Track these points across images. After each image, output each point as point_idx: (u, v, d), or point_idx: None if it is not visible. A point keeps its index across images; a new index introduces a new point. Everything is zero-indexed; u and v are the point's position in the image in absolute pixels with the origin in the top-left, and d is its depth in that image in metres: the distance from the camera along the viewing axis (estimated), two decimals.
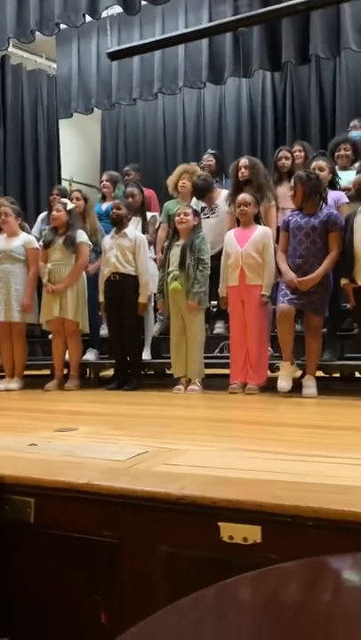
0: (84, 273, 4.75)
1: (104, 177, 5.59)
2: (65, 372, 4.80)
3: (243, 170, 4.45)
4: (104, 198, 5.55)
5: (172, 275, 4.26)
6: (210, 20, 6.25)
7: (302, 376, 4.01)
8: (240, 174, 4.46)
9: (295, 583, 0.91)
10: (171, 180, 5.12)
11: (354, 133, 5.09)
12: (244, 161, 4.52)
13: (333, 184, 4.30)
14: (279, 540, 1.40)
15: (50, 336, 4.96)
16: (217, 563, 1.41)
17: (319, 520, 1.36)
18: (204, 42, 6.49)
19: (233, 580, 0.88)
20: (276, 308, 3.96)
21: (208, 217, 4.80)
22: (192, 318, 4.26)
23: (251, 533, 1.43)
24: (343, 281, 3.83)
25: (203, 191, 4.79)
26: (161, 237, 5.00)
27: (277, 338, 4.57)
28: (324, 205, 3.92)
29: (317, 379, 4.01)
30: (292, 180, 3.98)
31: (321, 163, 4.23)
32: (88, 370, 5.23)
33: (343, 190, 4.35)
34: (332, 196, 4.16)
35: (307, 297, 3.83)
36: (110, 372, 4.97)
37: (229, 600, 0.86)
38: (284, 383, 3.83)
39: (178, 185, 5.02)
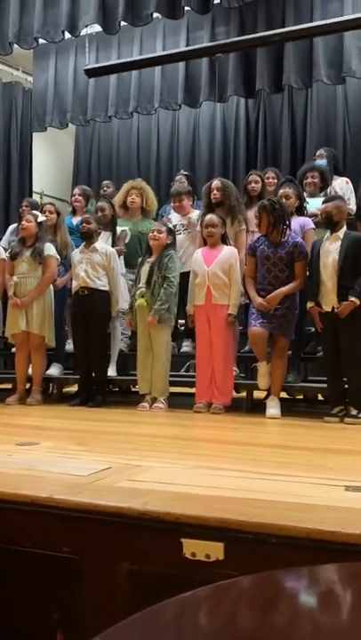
0: (51, 286, 4.70)
1: (76, 191, 5.58)
2: (27, 386, 4.71)
3: (215, 192, 4.52)
4: (74, 212, 5.53)
5: (139, 291, 4.28)
6: (187, 45, 6.39)
7: (267, 396, 4.05)
8: (212, 196, 4.53)
9: (252, 604, 0.91)
10: (118, 198, 5.12)
11: (319, 162, 5.24)
12: (216, 183, 4.59)
13: (301, 210, 4.40)
14: (242, 557, 1.40)
15: (13, 349, 4.87)
16: (179, 580, 1.39)
17: (282, 537, 1.37)
18: (181, 65, 6.61)
19: (191, 595, 0.87)
20: (248, 331, 4.01)
21: (180, 233, 4.84)
22: (157, 336, 4.26)
23: (213, 550, 1.43)
24: (309, 304, 3.91)
25: (179, 193, 4.82)
26: None
27: (243, 359, 4.64)
28: (288, 232, 4.00)
29: (281, 400, 4.05)
30: (257, 209, 4.06)
31: (288, 190, 4.32)
32: (51, 385, 5.15)
33: (310, 216, 4.46)
34: (299, 221, 4.26)
35: (276, 320, 3.91)
36: (74, 388, 4.91)
37: (187, 617, 0.86)
38: (264, 379, 3.93)
39: (127, 201, 5.04)
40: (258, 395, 4.28)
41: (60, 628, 1.54)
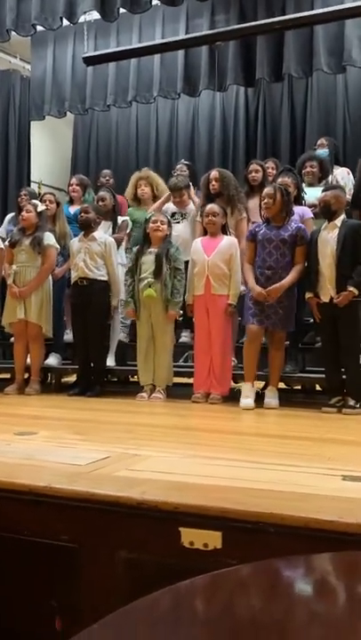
0: (50, 276, 4.69)
1: (73, 180, 5.55)
2: (26, 376, 4.71)
3: (213, 183, 4.49)
4: (71, 201, 5.50)
5: (146, 282, 4.24)
6: (186, 33, 6.32)
7: (265, 387, 4.06)
8: (211, 187, 4.50)
9: (249, 593, 0.91)
10: (128, 192, 5.15)
11: (320, 151, 5.21)
12: (214, 173, 4.57)
13: (299, 199, 4.38)
14: (240, 546, 1.41)
15: (12, 339, 4.87)
16: (177, 568, 1.40)
17: (280, 527, 1.37)
18: (180, 53, 6.54)
19: (188, 583, 0.87)
20: (246, 328, 3.99)
21: (178, 222, 4.82)
22: (164, 326, 4.25)
23: (211, 539, 1.43)
24: (308, 295, 3.90)
25: (180, 188, 4.81)
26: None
27: (242, 349, 4.63)
28: (291, 219, 3.99)
29: (279, 390, 4.06)
30: (271, 188, 3.99)
31: (286, 179, 4.30)
32: (50, 375, 5.15)
33: (309, 207, 4.43)
34: (298, 210, 4.23)
35: (275, 314, 3.88)
36: (73, 378, 4.91)
37: (184, 606, 0.86)
38: (248, 400, 3.85)
39: (137, 193, 5.04)
40: (256, 385, 4.28)
41: (58, 615, 1.55)
